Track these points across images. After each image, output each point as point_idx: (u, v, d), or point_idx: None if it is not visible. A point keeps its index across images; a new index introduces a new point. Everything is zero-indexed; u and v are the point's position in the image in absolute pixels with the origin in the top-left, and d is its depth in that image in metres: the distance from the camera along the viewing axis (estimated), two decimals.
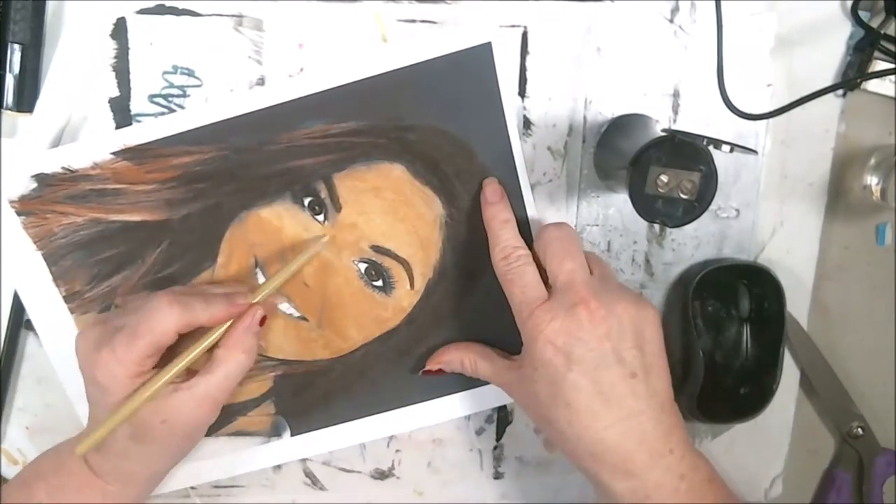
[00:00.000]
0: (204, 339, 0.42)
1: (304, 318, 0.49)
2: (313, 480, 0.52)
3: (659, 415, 0.40)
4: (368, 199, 0.47)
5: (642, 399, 0.40)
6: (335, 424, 0.50)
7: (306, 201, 0.47)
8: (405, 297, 0.49)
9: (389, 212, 0.48)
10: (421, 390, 0.50)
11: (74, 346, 0.42)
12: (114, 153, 0.46)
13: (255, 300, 0.44)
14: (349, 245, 0.48)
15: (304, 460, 0.51)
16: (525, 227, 0.48)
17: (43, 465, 0.44)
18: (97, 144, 0.46)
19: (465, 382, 0.50)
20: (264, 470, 0.51)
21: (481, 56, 0.46)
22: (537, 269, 0.43)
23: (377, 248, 0.48)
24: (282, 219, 0.47)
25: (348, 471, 0.52)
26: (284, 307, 0.48)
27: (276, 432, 0.50)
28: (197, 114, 0.46)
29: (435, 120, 0.47)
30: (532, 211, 0.48)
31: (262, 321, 0.44)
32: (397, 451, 0.52)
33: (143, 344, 0.40)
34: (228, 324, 0.43)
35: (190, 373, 0.42)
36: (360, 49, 0.47)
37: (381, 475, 0.52)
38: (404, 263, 0.48)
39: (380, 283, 0.48)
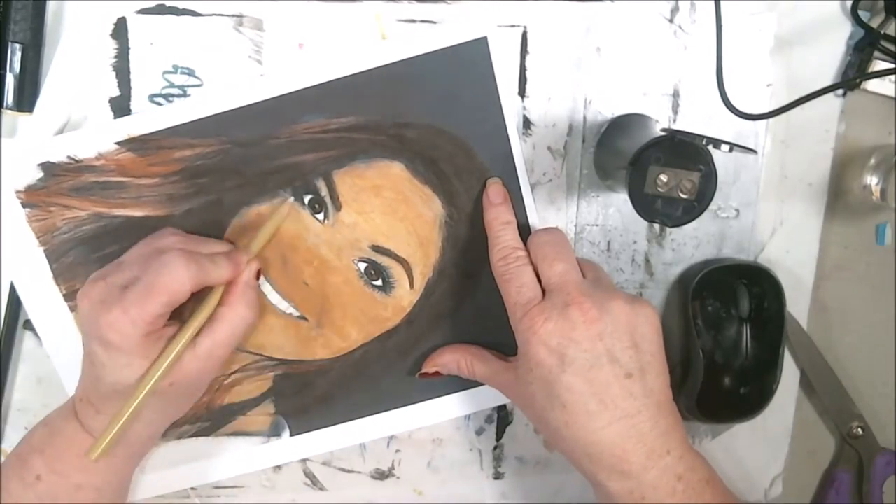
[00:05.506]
0: (209, 299, 0.42)
1: (303, 318, 0.49)
2: (313, 480, 0.52)
3: (656, 415, 0.40)
4: (368, 197, 0.47)
5: (638, 399, 0.40)
6: (335, 424, 0.50)
7: (306, 199, 0.47)
8: (405, 296, 0.49)
9: (389, 211, 0.48)
10: (420, 390, 0.50)
11: (77, 305, 0.41)
12: (118, 143, 0.46)
13: (252, 256, 0.45)
14: (349, 244, 0.48)
15: (304, 460, 0.51)
16: (524, 227, 0.48)
17: (35, 437, 0.43)
18: (102, 133, 0.46)
19: (465, 382, 0.49)
20: (264, 470, 0.51)
21: (478, 51, 0.46)
22: (534, 272, 0.43)
23: (377, 248, 0.48)
24: None
25: (348, 471, 0.52)
26: (284, 306, 0.48)
27: (275, 432, 0.50)
28: (200, 104, 0.46)
29: (434, 118, 0.47)
30: (531, 210, 0.48)
31: (258, 274, 0.45)
32: (397, 451, 0.52)
33: (158, 303, 0.40)
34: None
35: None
36: (360, 49, 0.47)
37: (381, 475, 0.52)
38: (404, 263, 0.48)
39: (379, 282, 0.48)
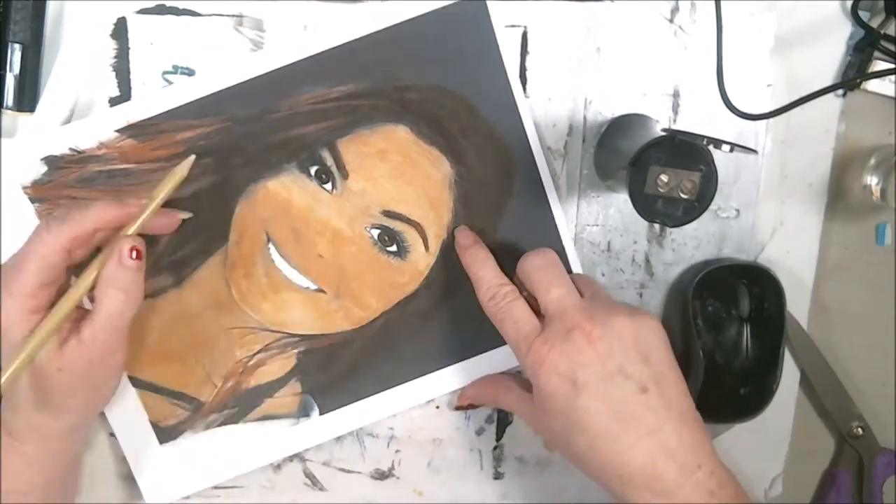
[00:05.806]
0: (81, 277, 0.40)
1: (321, 291, 0.48)
2: (313, 481, 0.52)
3: (680, 428, 0.39)
4: (374, 163, 0.47)
5: (659, 413, 0.39)
6: (363, 398, 0.49)
7: (313, 170, 0.47)
8: (421, 260, 0.48)
9: (397, 175, 0.47)
10: (446, 354, 0.49)
11: None
12: (118, 130, 0.46)
13: (147, 212, 0.41)
14: (360, 212, 0.47)
15: (303, 461, 0.51)
16: (537, 184, 0.48)
17: None
18: (101, 122, 0.46)
19: (488, 343, 0.49)
20: (264, 470, 0.51)
21: (476, 9, 0.46)
22: (526, 302, 0.43)
23: (388, 213, 0.48)
24: (290, 190, 0.47)
25: (348, 471, 0.52)
26: (301, 281, 0.48)
27: (304, 412, 0.49)
28: (197, 84, 0.46)
29: (434, 77, 0.46)
30: (543, 166, 0.48)
31: (137, 254, 0.40)
32: (397, 451, 0.52)
33: (28, 270, 0.38)
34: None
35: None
36: (355, 16, 0.46)
37: (381, 475, 0.52)
38: (417, 226, 0.48)
39: (394, 248, 0.48)
